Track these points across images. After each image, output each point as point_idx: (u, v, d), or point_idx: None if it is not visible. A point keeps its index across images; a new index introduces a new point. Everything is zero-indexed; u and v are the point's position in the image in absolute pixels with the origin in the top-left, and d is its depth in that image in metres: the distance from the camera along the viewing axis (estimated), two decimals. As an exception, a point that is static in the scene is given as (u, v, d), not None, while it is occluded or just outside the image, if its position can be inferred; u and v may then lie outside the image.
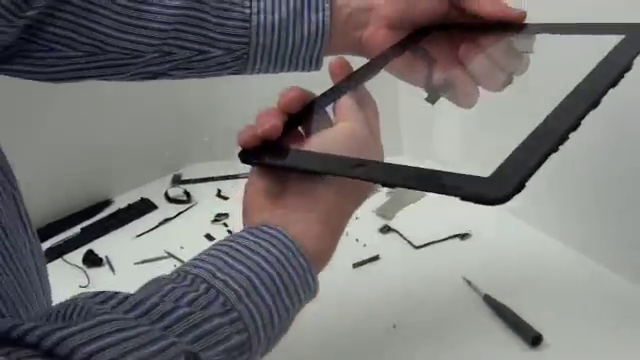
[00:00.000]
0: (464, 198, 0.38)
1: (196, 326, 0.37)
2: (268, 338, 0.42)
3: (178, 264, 0.98)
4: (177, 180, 1.30)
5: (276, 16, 0.58)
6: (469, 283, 0.83)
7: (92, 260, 1.01)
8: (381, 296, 0.84)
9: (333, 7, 0.60)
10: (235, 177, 1.25)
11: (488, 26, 0.58)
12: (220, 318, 0.39)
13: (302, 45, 0.60)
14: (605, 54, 0.48)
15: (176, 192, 1.23)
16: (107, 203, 1.23)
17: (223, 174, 1.27)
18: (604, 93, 0.43)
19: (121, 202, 1.22)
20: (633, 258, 0.77)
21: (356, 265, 0.91)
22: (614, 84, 0.44)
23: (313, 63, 0.62)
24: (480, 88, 0.59)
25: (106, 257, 1.02)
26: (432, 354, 0.73)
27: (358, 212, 1.06)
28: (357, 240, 0.98)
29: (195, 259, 0.43)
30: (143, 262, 0.99)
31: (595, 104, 0.43)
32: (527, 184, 0.94)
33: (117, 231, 1.13)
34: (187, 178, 1.30)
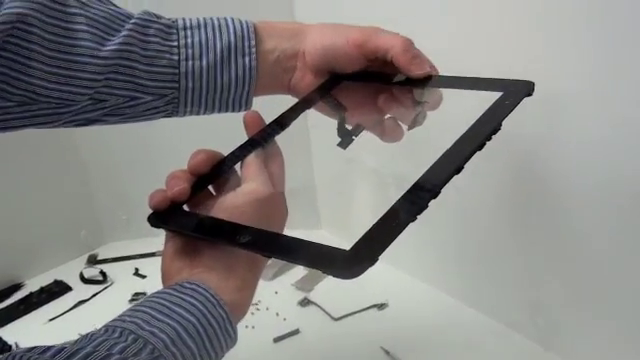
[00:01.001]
0: (324, 272, 0.41)
1: None
2: None
3: (93, 347, 0.95)
4: (93, 260, 1.27)
5: (204, 62, 0.60)
6: (387, 353, 0.84)
7: (0, 348, 0.96)
8: (302, 370, 0.85)
9: (260, 51, 0.62)
10: (153, 255, 1.23)
11: (391, 76, 0.62)
12: None
13: (230, 88, 0.62)
14: (480, 114, 0.51)
15: (92, 272, 1.20)
16: (18, 287, 1.18)
17: (140, 252, 1.26)
18: (467, 160, 0.47)
19: (33, 285, 1.18)
20: (541, 323, 0.82)
21: (277, 340, 0.92)
22: (480, 148, 0.48)
23: (243, 104, 0.64)
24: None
25: (15, 344, 0.97)
26: None
27: (277, 286, 1.08)
28: (277, 314, 0.98)
29: (121, 315, 0.46)
30: (56, 347, 0.95)
31: (458, 170, 0.46)
32: (444, 255, 0.97)
33: (28, 316, 1.08)
34: (103, 258, 1.28)
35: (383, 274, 1.08)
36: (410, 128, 0.62)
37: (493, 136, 0.49)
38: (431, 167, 0.47)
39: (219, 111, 0.65)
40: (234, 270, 0.50)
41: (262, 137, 0.59)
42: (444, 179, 0.45)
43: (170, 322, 0.45)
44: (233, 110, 0.65)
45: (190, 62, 0.60)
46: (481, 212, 0.85)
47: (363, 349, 0.87)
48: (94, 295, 1.13)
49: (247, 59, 0.61)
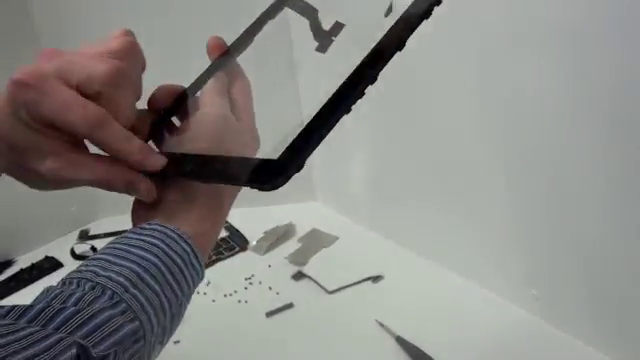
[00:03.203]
0: (245, 185, 0.40)
1: (86, 322, 0.37)
2: (162, 326, 0.43)
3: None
4: (84, 236, 1.26)
5: None
6: (382, 325, 0.84)
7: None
8: (295, 343, 0.84)
9: None
10: (145, 230, 1.22)
11: None
12: (110, 310, 0.39)
13: None
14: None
15: (83, 248, 1.19)
16: (8, 264, 1.17)
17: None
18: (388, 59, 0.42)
19: (24, 262, 1.16)
20: (538, 294, 0.81)
21: (270, 314, 0.91)
22: (399, 47, 0.42)
23: None
24: None
25: (6, 321, 0.97)
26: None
27: (270, 260, 1.07)
28: (270, 288, 0.97)
29: (79, 266, 0.43)
30: (47, 324, 0.95)
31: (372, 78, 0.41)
32: (439, 226, 0.95)
33: (19, 293, 1.07)
34: (95, 233, 1.27)
35: (378, 247, 1.08)
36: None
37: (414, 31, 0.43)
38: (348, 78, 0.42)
39: None
40: (195, 200, 0.48)
41: (224, 61, 0.56)
42: (359, 89, 0.41)
43: (128, 264, 0.42)
44: None
45: None
46: (475, 182, 0.84)
47: (358, 322, 0.86)
48: (85, 271, 1.12)
49: None
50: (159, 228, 0.45)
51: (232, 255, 1.10)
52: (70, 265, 1.14)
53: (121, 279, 0.41)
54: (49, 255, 1.17)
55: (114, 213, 1.32)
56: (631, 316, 0.68)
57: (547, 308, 0.80)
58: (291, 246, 1.10)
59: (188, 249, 0.45)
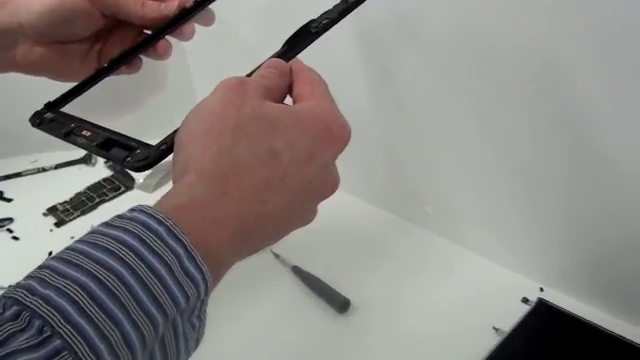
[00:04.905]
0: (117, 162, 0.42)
1: None
2: None
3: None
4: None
5: None
6: (277, 256, 0.84)
7: None
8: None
9: None
10: (18, 175, 1.14)
11: None
12: (28, 354, 0.26)
13: None
14: None
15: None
16: None
17: (4, 173, 1.16)
18: None
19: None
20: (430, 210, 0.84)
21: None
22: None
23: None
24: None
25: None
26: (243, 328, 0.74)
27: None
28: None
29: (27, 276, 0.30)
30: None
31: None
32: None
33: None
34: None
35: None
36: None
37: None
38: None
39: None
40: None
41: None
42: None
43: (79, 276, 0.28)
44: None
45: None
46: (356, 103, 0.85)
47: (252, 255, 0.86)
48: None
49: None
50: (141, 218, 0.31)
51: (117, 196, 1.05)
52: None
53: (62, 301, 0.27)
54: None
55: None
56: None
57: (444, 225, 0.83)
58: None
59: (178, 249, 0.31)
